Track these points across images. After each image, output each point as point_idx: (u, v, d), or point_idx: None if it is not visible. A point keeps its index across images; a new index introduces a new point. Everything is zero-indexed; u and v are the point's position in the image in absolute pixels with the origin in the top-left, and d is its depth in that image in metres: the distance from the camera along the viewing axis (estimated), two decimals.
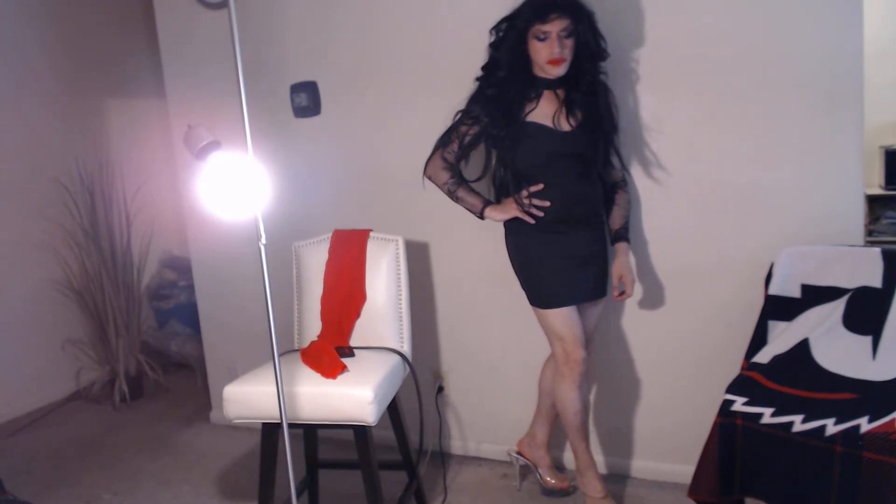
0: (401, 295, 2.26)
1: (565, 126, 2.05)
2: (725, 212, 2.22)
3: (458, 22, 2.43)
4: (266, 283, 1.65)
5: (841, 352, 1.80)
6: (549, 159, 2.06)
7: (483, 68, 2.11)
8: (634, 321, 2.40)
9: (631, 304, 2.38)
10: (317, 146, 2.76)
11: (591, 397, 2.48)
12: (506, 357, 2.61)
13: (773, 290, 2.00)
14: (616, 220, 2.16)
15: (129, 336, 3.65)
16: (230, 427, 3.11)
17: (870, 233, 4.00)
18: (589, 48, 2.01)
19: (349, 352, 2.13)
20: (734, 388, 1.77)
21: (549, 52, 1.96)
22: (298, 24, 2.70)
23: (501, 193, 2.16)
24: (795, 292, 1.97)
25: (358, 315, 2.25)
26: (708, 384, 2.22)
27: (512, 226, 2.15)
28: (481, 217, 2.14)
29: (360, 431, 1.92)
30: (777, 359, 1.86)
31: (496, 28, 2.06)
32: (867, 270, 1.88)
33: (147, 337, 3.87)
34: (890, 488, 1.46)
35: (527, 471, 2.46)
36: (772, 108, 2.12)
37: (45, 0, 3.65)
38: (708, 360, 2.30)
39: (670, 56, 2.20)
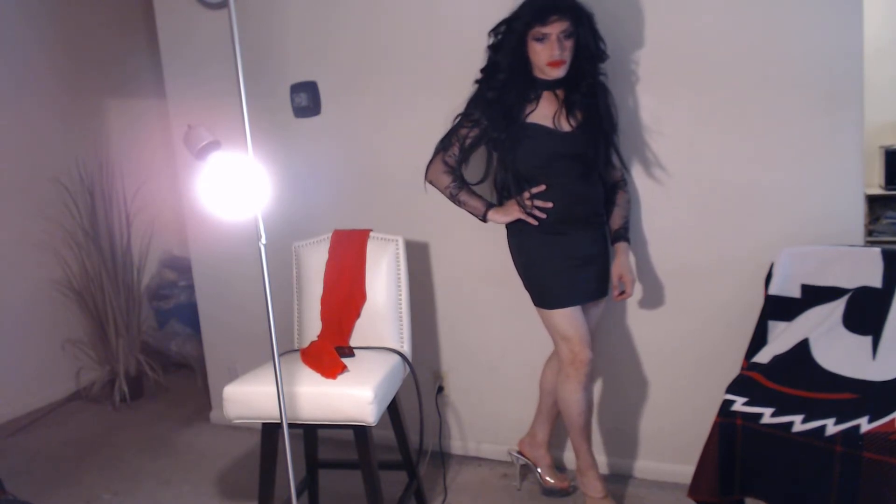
0: (401, 295, 2.26)
1: (565, 126, 2.05)
2: (725, 212, 2.22)
3: (458, 22, 2.43)
4: (266, 283, 1.65)
5: (841, 352, 1.80)
6: (550, 160, 2.06)
7: (482, 71, 2.11)
8: (634, 321, 2.40)
9: (631, 304, 2.38)
10: (317, 146, 2.76)
11: (593, 397, 2.48)
12: (506, 357, 2.61)
13: (773, 290, 2.00)
14: (616, 220, 2.16)
15: (129, 336, 3.65)
16: (230, 427, 3.11)
17: (870, 233, 4.00)
18: (588, 50, 2.01)
19: (349, 352, 2.13)
20: (734, 388, 1.77)
21: (548, 54, 1.96)
22: (298, 24, 2.70)
23: (503, 195, 2.16)
24: (795, 292, 1.97)
25: (358, 315, 2.25)
26: (708, 384, 2.22)
27: (514, 227, 2.15)
28: (484, 220, 2.14)
29: (360, 431, 1.92)
30: (777, 359, 1.86)
31: (495, 31, 2.05)
32: (867, 270, 1.88)
33: (147, 337, 3.87)
34: (890, 488, 1.46)
35: (527, 470, 2.46)
36: (772, 108, 2.12)
37: (45, 0, 3.65)
38: (708, 360, 2.30)
39: (670, 56, 2.20)
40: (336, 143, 2.73)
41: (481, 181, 2.18)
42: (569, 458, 2.53)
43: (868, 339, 1.80)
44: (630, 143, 2.26)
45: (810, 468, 1.58)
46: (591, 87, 2.05)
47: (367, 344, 2.23)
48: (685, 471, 2.01)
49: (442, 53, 2.47)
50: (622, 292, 2.10)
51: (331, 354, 2.05)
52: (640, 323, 2.39)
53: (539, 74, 2.03)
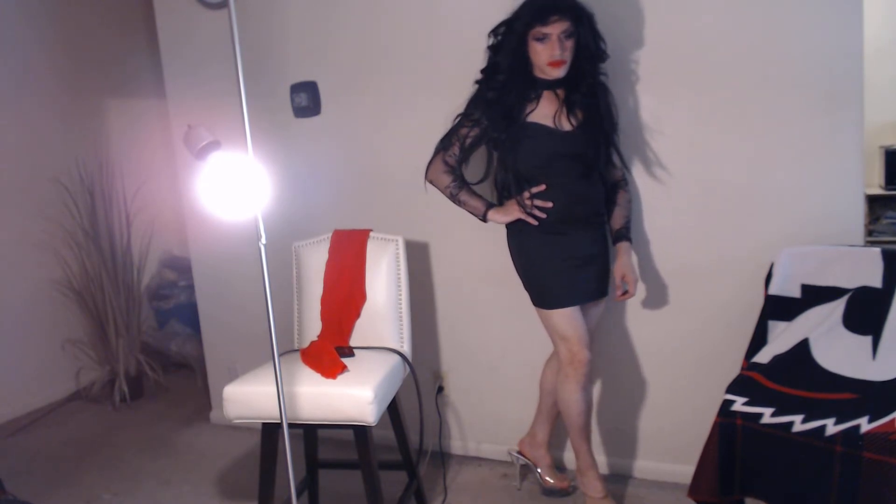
0: (401, 295, 2.26)
1: (566, 126, 2.05)
2: (725, 211, 2.22)
3: (458, 22, 2.42)
4: (266, 283, 1.65)
5: (841, 352, 1.80)
6: (550, 159, 2.05)
7: (482, 71, 2.10)
8: (634, 321, 2.40)
9: (631, 304, 2.38)
10: (317, 146, 2.76)
11: (593, 397, 2.48)
12: (506, 357, 2.61)
13: (773, 290, 2.00)
14: (617, 220, 2.16)
15: (129, 336, 3.65)
16: (230, 427, 3.11)
17: (870, 233, 4.00)
18: (589, 50, 2.01)
19: (349, 352, 2.13)
20: (734, 388, 1.77)
21: (549, 54, 1.96)
22: (298, 24, 2.70)
23: (503, 195, 2.16)
24: (795, 292, 1.97)
25: (358, 315, 2.25)
26: (708, 384, 2.22)
27: (514, 227, 2.15)
28: (484, 220, 2.14)
29: (360, 431, 1.92)
30: (777, 359, 1.86)
31: (495, 31, 2.05)
32: (867, 270, 1.88)
33: (147, 337, 3.87)
34: (890, 488, 1.46)
35: (527, 470, 2.46)
36: (772, 108, 2.12)
37: (45, 0, 3.65)
38: (708, 360, 2.30)
39: (670, 56, 2.20)
40: (336, 143, 2.73)
41: (481, 181, 2.18)
42: (569, 458, 2.53)
43: (868, 339, 1.80)
44: (630, 143, 2.26)
45: (810, 468, 1.58)
46: (591, 86, 2.05)
47: (367, 344, 2.23)
48: (685, 471, 2.01)
49: (442, 53, 2.47)
50: (625, 292, 2.10)
51: (331, 354, 2.05)
52: (640, 323, 2.39)
53: (539, 74, 2.03)
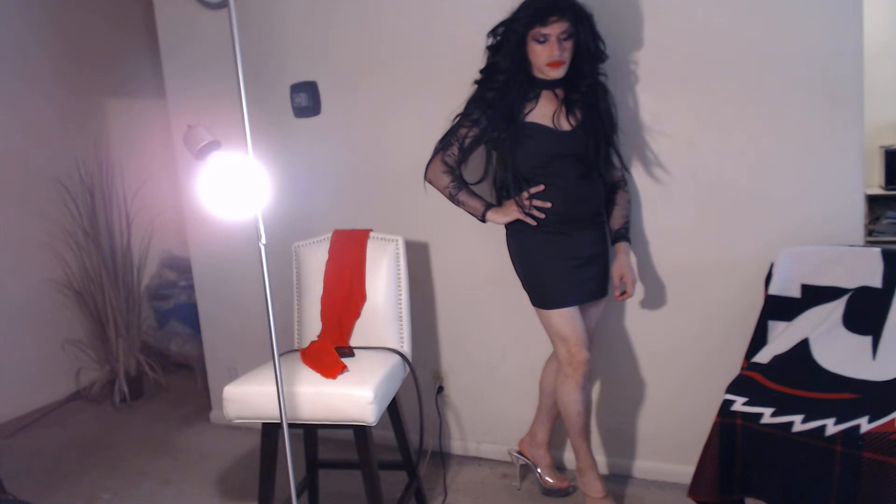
0: (401, 295, 2.26)
1: (565, 125, 2.04)
2: (725, 212, 2.22)
3: (459, 22, 2.42)
4: (266, 283, 1.65)
5: (841, 352, 1.80)
6: (550, 159, 2.05)
7: (482, 71, 2.10)
8: (634, 321, 2.40)
9: (631, 304, 2.38)
10: (317, 146, 2.76)
11: (593, 397, 2.48)
12: (506, 357, 2.61)
13: (773, 290, 2.00)
14: (616, 220, 2.16)
15: (129, 336, 3.65)
16: (230, 427, 3.11)
17: (870, 233, 4.00)
18: (588, 50, 2.01)
19: (349, 352, 2.13)
20: (734, 388, 1.77)
21: (548, 54, 1.96)
22: (298, 24, 2.70)
23: (502, 195, 2.16)
24: (795, 292, 1.97)
25: (358, 315, 2.25)
26: (708, 384, 2.22)
27: (513, 227, 2.15)
28: (483, 220, 2.14)
29: (360, 431, 1.92)
30: (777, 359, 1.86)
31: (494, 32, 2.05)
32: (867, 270, 1.88)
33: (147, 337, 3.87)
34: (890, 488, 1.46)
35: (527, 470, 2.47)
36: (772, 108, 2.12)
37: (45, 0, 3.65)
38: (708, 360, 2.30)
39: (670, 56, 2.20)
40: (336, 143, 2.73)
41: (481, 181, 2.18)
42: (569, 458, 2.53)
43: (868, 339, 1.80)
44: (630, 143, 2.26)
45: (810, 468, 1.58)
46: (590, 86, 2.05)
47: (367, 344, 2.23)
48: (685, 471, 2.01)
49: (441, 53, 2.47)
50: (623, 292, 2.10)
51: (331, 354, 2.05)
52: (640, 323, 2.39)
53: (538, 75, 2.03)
